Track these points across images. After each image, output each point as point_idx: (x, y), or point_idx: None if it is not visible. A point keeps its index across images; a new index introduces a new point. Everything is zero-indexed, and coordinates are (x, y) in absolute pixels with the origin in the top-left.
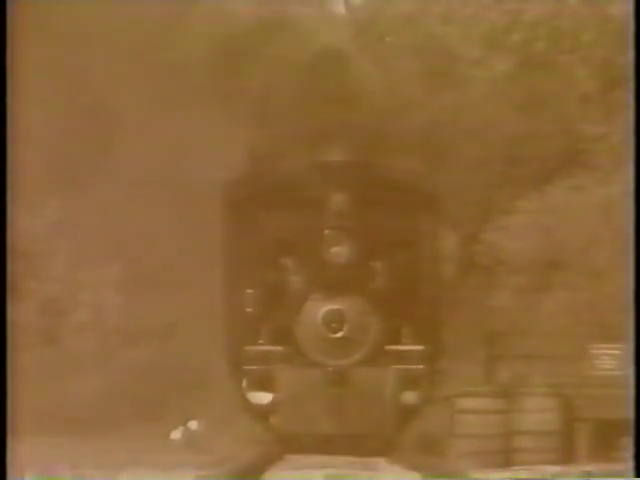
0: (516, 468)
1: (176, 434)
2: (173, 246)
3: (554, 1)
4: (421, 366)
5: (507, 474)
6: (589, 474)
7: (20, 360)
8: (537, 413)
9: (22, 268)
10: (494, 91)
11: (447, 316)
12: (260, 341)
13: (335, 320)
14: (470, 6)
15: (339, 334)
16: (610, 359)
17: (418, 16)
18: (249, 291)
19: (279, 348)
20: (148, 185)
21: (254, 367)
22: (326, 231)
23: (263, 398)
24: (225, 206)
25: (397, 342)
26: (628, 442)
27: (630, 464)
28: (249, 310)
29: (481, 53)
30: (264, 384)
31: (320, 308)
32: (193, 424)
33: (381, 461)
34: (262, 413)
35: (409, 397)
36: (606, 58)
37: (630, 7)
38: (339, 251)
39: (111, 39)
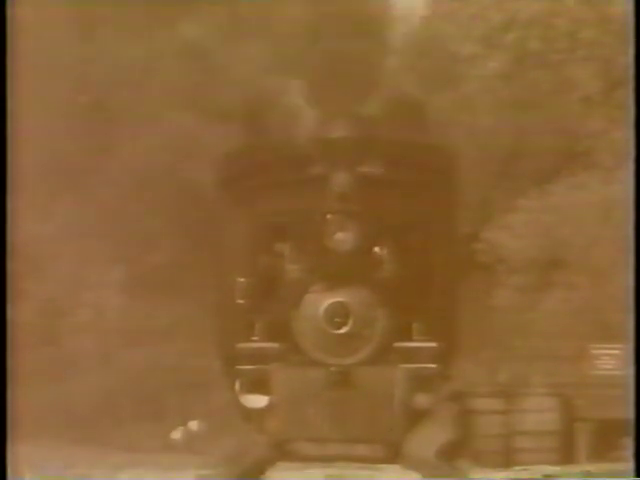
0: (516, 468)
1: (176, 434)
2: (173, 246)
3: (553, 0)
4: (433, 365)
5: (507, 474)
6: (589, 474)
7: (20, 360)
8: (537, 413)
9: (22, 268)
10: (495, 89)
11: (460, 310)
12: (254, 337)
13: (338, 314)
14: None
15: (343, 330)
16: (610, 359)
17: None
18: (241, 280)
19: (275, 345)
20: (148, 185)
21: (248, 367)
22: (328, 215)
23: (258, 401)
24: (217, 183)
25: (407, 338)
26: (628, 442)
27: (630, 464)
28: (241, 301)
29: (481, 52)
30: (259, 386)
31: (322, 301)
32: (193, 424)
33: None
34: (257, 418)
35: (420, 399)
36: (607, 57)
37: (630, 7)
38: (343, 237)
39: (110, 38)
